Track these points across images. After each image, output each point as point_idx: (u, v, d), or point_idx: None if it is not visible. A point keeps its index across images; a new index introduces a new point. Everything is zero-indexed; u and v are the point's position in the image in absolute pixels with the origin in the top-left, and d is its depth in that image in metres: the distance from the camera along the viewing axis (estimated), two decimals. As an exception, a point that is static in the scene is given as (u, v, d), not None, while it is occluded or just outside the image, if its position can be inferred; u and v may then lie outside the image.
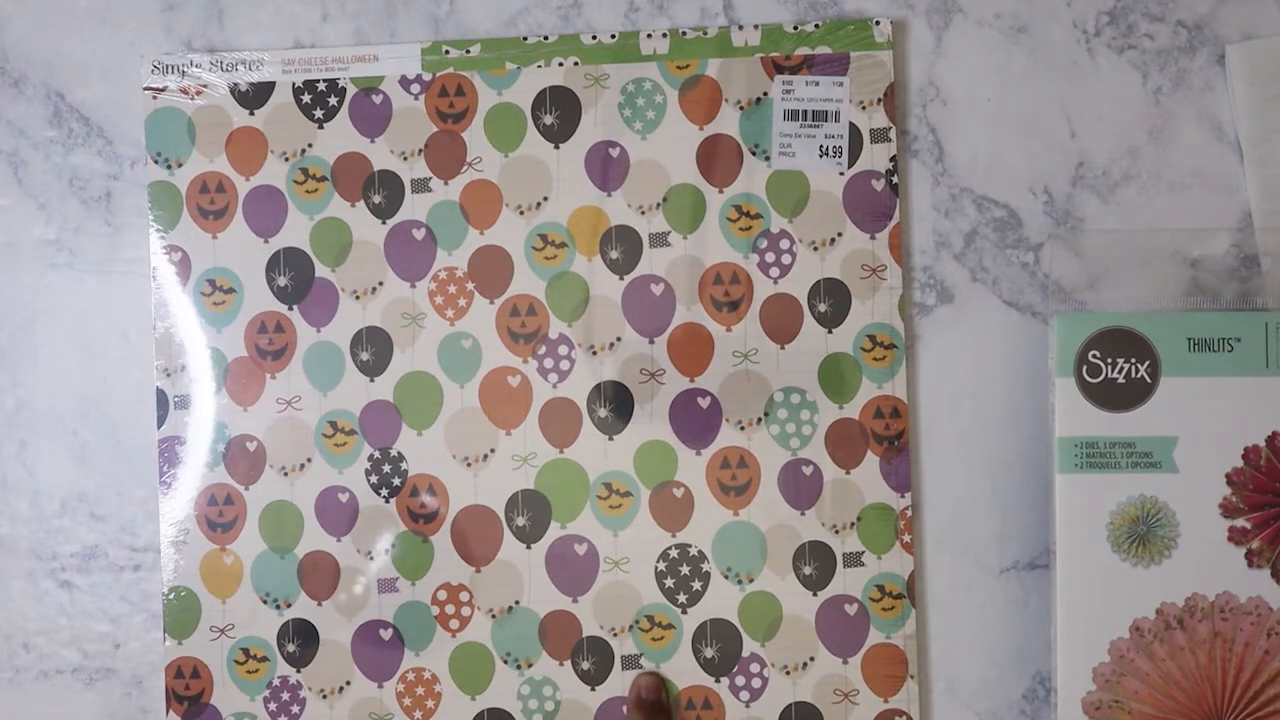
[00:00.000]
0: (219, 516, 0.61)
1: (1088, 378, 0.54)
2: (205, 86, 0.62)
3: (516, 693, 0.60)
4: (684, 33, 0.61)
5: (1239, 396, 0.54)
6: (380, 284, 0.61)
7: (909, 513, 0.60)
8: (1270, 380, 0.54)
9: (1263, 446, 0.54)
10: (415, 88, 0.61)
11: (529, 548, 0.61)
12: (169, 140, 0.62)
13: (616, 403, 0.61)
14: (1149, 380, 0.54)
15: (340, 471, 0.61)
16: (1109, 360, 0.54)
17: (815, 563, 0.60)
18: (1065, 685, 0.55)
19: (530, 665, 0.60)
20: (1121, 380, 0.54)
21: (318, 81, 0.62)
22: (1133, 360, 0.54)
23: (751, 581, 0.60)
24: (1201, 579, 0.54)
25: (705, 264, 0.61)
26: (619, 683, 0.60)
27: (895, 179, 0.61)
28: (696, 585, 0.60)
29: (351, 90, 0.62)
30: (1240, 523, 0.54)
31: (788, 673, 0.60)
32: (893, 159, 0.61)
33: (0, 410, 0.62)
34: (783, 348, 0.60)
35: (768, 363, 0.60)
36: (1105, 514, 0.55)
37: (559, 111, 0.61)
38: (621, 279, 0.61)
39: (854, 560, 0.60)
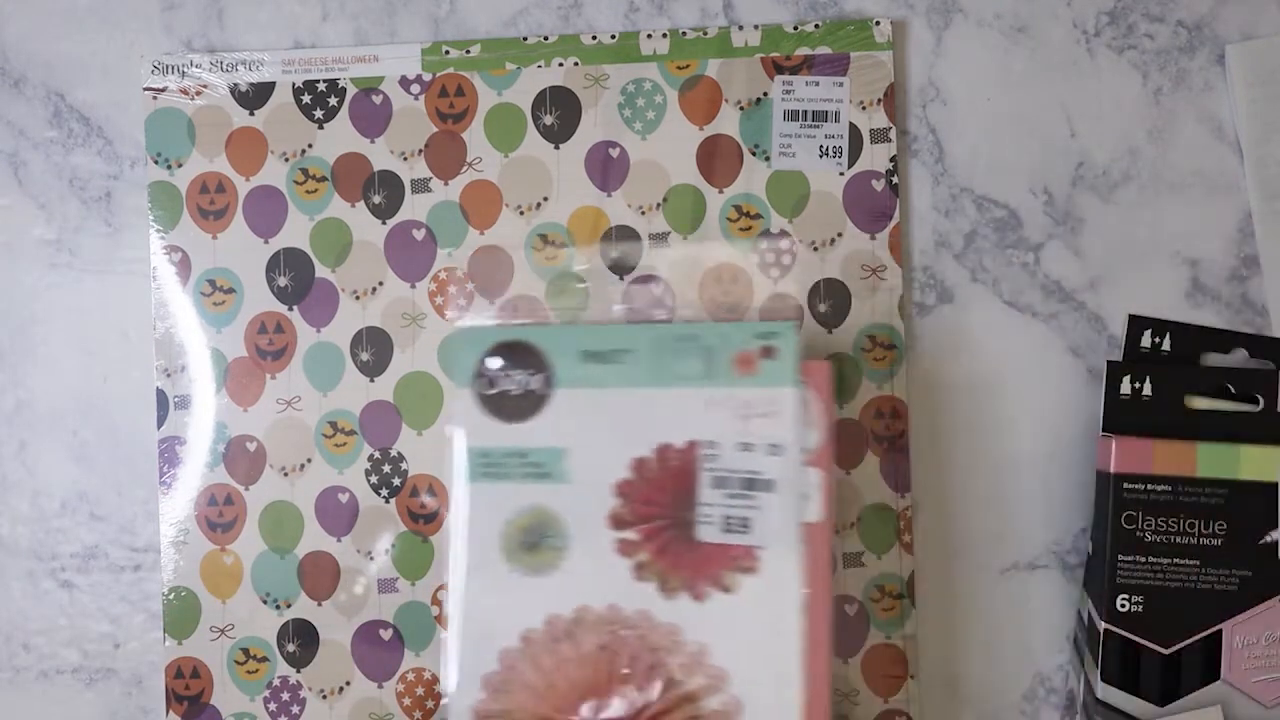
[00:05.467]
0: (219, 516, 0.61)
1: (485, 389, 0.54)
2: (205, 87, 0.62)
3: (516, 693, 0.60)
4: (684, 33, 0.61)
5: (629, 408, 0.54)
6: (380, 284, 0.61)
7: (909, 513, 0.60)
8: (659, 392, 0.54)
9: (651, 458, 0.54)
10: (415, 88, 0.62)
11: (529, 548, 0.61)
12: (169, 140, 0.62)
13: (616, 403, 0.61)
14: (542, 392, 0.54)
15: (340, 471, 0.61)
16: (506, 372, 0.54)
17: (815, 563, 0.60)
18: (457, 693, 0.54)
19: (530, 665, 0.60)
20: (517, 391, 0.54)
21: (318, 82, 0.62)
22: (528, 372, 0.54)
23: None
24: (590, 590, 0.54)
25: (705, 264, 0.61)
26: (619, 683, 0.60)
27: (895, 179, 0.61)
28: (696, 585, 0.60)
29: (351, 90, 0.62)
30: (629, 535, 0.53)
31: (788, 673, 0.60)
32: (893, 159, 0.61)
33: (0, 410, 0.62)
34: (783, 348, 0.60)
35: (768, 363, 0.60)
36: (499, 523, 0.54)
37: (559, 111, 0.61)
38: (621, 279, 0.61)
39: (854, 560, 0.60)
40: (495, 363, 0.54)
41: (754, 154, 0.61)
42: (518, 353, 0.55)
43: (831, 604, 0.52)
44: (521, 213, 0.61)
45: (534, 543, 0.54)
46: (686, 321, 0.58)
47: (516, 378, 0.54)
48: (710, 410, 0.53)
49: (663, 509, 0.54)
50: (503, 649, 0.54)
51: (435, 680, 0.61)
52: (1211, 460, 0.56)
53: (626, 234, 0.61)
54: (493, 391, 0.54)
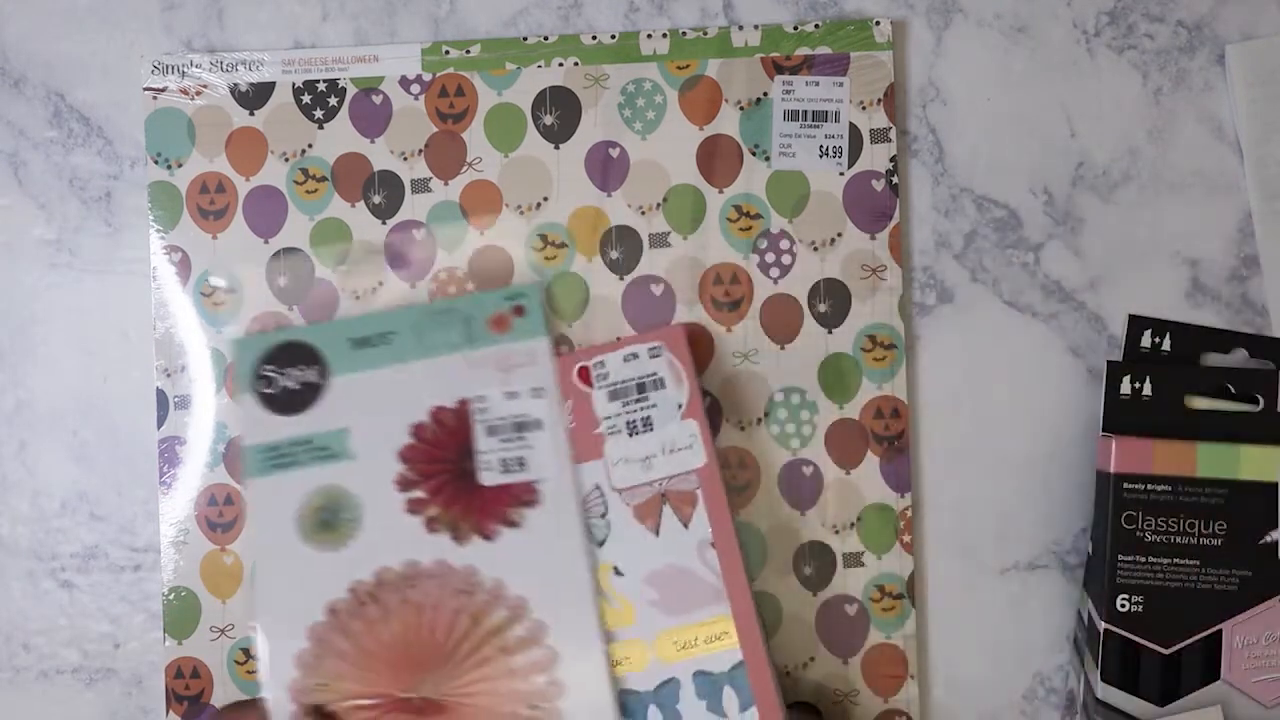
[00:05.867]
0: (219, 516, 0.61)
1: (264, 389, 0.58)
2: (205, 87, 0.62)
3: (516, 693, 0.61)
4: (684, 33, 0.61)
5: (402, 382, 0.58)
6: (380, 284, 0.61)
7: (909, 513, 0.60)
8: (425, 363, 0.58)
9: (428, 422, 0.57)
10: (415, 88, 0.62)
11: (529, 548, 0.61)
12: (169, 140, 0.62)
13: (616, 403, 0.61)
14: (319, 382, 0.58)
15: (340, 471, 0.61)
16: (282, 371, 0.58)
17: (815, 563, 0.60)
18: (270, 678, 0.56)
19: (530, 665, 0.60)
20: (295, 387, 0.58)
21: (318, 82, 0.62)
22: (302, 367, 0.58)
23: (751, 582, 0.60)
24: (388, 552, 0.57)
25: (705, 264, 0.61)
26: (619, 683, 0.60)
27: (895, 179, 0.61)
28: (696, 585, 0.60)
29: (351, 90, 0.62)
30: (416, 494, 0.57)
31: (788, 672, 0.60)
32: (893, 159, 0.61)
33: (0, 410, 0.62)
34: (783, 348, 0.61)
35: (768, 363, 0.60)
36: (293, 508, 0.57)
37: (559, 111, 0.61)
38: (621, 279, 0.61)
39: (854, 560, 0.60)
40: (272, 364, 0.58)
41: (754, 154, 0.61)
42: (291, 352, 0.58)
43: (735, 534, 0.56)
44: (521, 212, 0.61)
45: (329, 520, 0.57)
46: (442, 297, 0.60)
47: (293, 374, 0.58)
48: (474, 369, 0.58)
49: (445, 464, 0.57)
50: (310, 625, 0.56)
51: (435, 680, 0.61)
52: (1211, 460, 0.56)
53: (626, 234, 0.61)
54: (272, 390, 0.57)
